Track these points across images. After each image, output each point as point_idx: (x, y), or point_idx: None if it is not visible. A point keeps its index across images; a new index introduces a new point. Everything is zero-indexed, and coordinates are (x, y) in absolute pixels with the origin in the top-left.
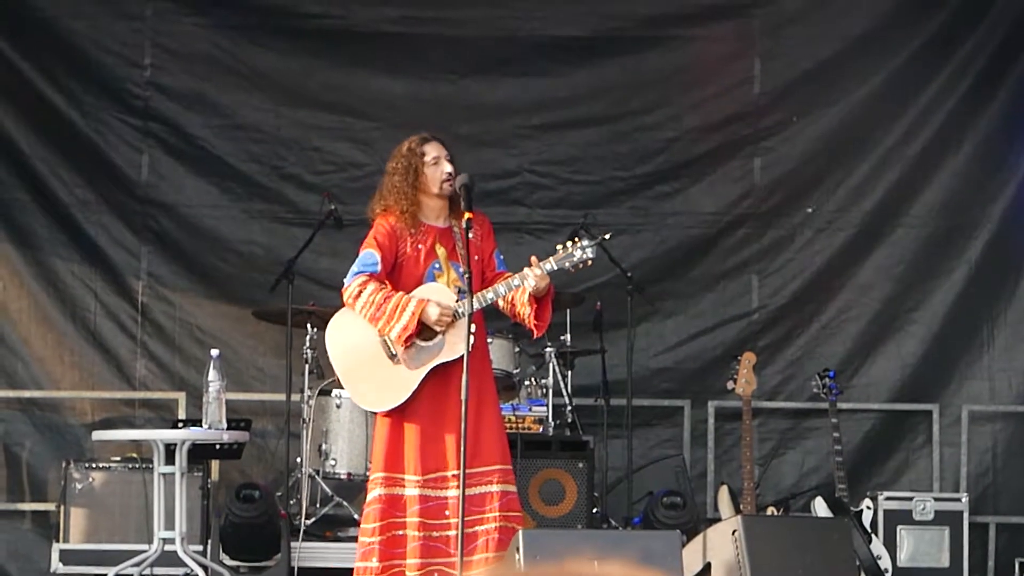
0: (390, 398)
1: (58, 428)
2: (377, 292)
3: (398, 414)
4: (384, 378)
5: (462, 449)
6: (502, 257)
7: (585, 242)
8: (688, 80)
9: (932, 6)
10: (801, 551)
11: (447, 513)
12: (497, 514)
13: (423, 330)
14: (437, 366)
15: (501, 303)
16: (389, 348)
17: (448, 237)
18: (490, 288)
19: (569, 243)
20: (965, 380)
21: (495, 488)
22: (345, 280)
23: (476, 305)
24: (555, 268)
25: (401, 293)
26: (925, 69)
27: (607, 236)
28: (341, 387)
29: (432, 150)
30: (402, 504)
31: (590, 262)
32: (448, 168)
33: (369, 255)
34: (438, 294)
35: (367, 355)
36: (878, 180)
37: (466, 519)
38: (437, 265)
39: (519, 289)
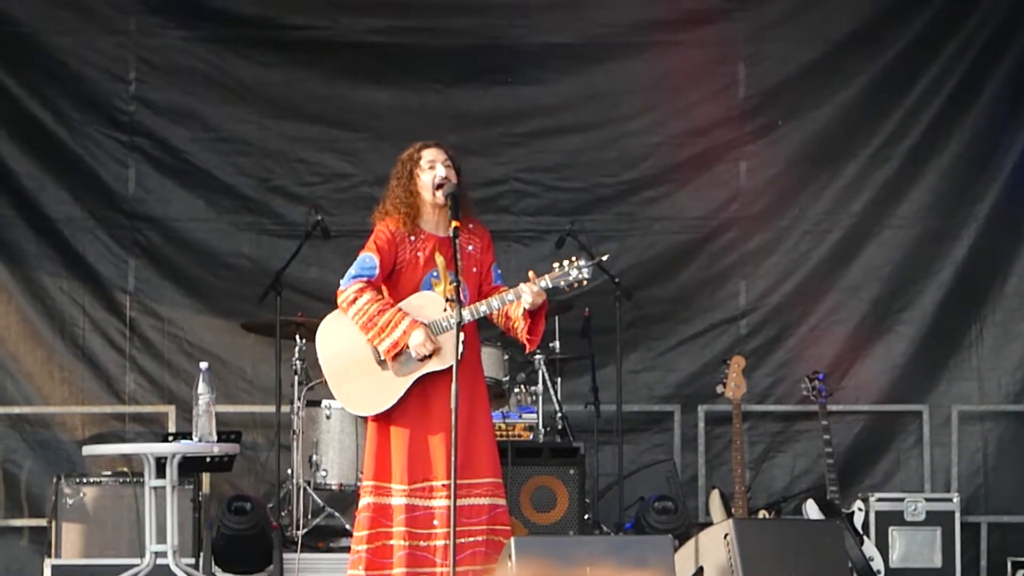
0: (375, 403)
1: (49, 443)
2: (372, 303)
3: (386, 420)
4: (371, 382)
5: (453, 459)
6: (499, 271)
7: (582, 262)
8: (673, 85)
9: (916, 7)
10: (793, 554)
11: (435, 523)
12: (485, 527)
13: None
14: (427, 374)
15: (494, 316)
16: (379, 353)
17: (448, 246)
18: (483, 301)
19: (566, 261)
20: (954, 380)
21: (484, 501)
22: (342, 282)
23: (468, 317)
24: (550, 286)
25: (395, 308)
26: (910, 70)
27: (605, 257)
28: (328, 391)
29: (429, 155)
30: (389, 513)
31: (585, 282)
32: (441, 172)
33: (368, 259)
34: (431, 304)
35: (356, 358)
36: (864, 182)
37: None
38: (435, 273)
39: (513, 303)
